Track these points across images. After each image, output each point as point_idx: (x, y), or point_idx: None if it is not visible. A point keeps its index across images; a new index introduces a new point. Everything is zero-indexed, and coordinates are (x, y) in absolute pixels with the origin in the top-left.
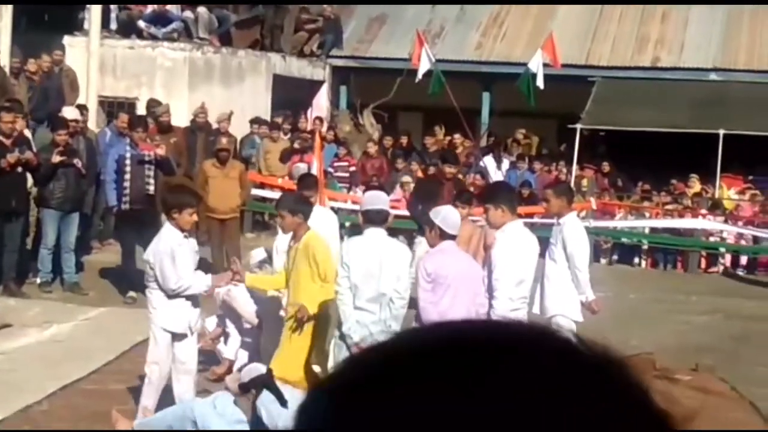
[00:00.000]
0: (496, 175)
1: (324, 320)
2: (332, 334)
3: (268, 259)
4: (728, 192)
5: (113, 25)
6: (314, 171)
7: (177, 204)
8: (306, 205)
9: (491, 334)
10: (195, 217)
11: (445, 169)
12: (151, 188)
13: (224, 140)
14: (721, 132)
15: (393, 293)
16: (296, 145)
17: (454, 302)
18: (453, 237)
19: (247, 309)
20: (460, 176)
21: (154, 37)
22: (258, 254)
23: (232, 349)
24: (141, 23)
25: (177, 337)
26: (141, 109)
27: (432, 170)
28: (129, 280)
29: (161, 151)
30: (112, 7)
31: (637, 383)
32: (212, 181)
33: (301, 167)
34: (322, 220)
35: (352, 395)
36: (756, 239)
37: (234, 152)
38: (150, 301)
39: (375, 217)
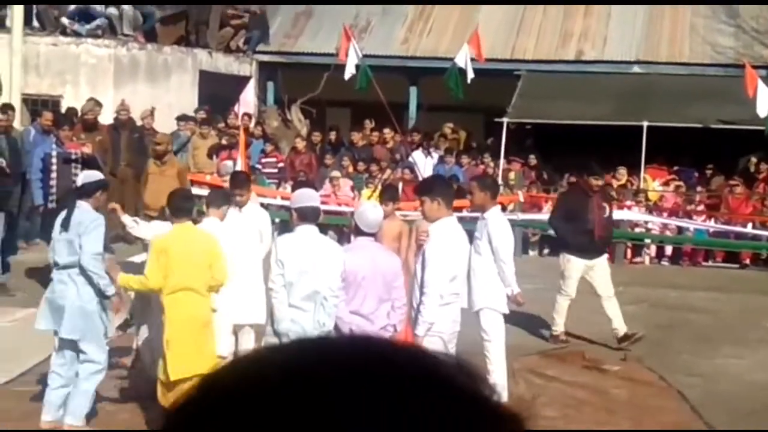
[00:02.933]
0: (425, 169)
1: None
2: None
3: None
4: (653, 183)
5: (36, 23)
6: (239, 167)
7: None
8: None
9: (337, 358)
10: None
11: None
12: None
13: (159, 136)
14: (645, 124)
15: (327, 291)
16: (224, 142)
17: (365, 300)
18: (369, 235)
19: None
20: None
21: (77, 34)
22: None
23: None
24: (64, 20)
25: None
26: (65, 107)
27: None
28: None
29: (87, 150)
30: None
31: (484, 393)
32: (150, 178)
33: (228, 165)
34: (253, 216)
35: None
36: (680, 230)
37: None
38: None
39: (310, 214)
